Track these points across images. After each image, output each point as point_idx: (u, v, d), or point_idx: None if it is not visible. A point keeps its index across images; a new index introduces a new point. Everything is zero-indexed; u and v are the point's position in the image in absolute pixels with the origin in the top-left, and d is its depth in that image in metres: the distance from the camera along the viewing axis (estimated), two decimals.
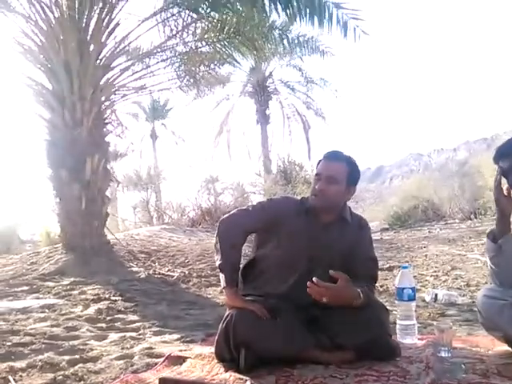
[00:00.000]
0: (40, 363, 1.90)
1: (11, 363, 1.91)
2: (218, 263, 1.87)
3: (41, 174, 5.49)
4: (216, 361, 1.79)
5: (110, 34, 5.55)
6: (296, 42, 7.27)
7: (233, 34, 6.12)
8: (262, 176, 15.01)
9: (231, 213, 2.00)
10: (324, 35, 7.13)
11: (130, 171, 14.10)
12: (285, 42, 7.04)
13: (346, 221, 1.99)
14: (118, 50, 5.73)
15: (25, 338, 2.27)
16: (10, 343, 2.17)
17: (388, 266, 4.49)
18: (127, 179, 13.66)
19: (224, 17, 6.02)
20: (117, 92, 6.05)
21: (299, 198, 2.09)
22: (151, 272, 4.66)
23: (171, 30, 5.97)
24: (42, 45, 5.27)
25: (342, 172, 1.92)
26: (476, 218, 10.26)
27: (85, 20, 5.34)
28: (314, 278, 1.73)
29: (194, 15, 5.97)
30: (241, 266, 1.97)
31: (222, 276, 1.86)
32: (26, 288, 3.80)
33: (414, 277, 3.58)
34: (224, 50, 6.46)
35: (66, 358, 2.00)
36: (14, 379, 1.73)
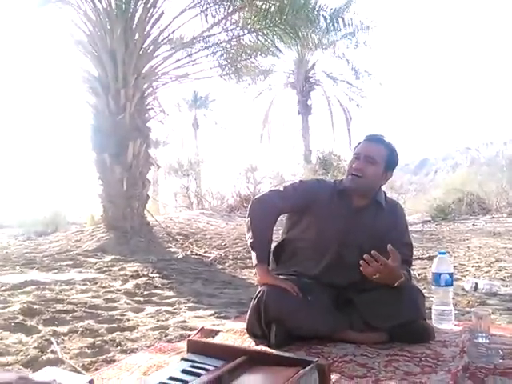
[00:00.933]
0: (80, 329, 2.01)
1: (54, 328, 2.03)
2: (249, 241, 1.86)
3: (87, 158, 5.73)
4: (247, 336, 1.82)
5: (155, 23, 5.66)
6: (344, 30, 7.13)
7: (276, 21, 6.07)
8: (302, 166, 14.88)
9: (264, 193, 2.00)
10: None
11: (173, 159, 14.37)
12: (332, 33, 6.91)
13: (380, 205, 1.94)
14: (161, 38, 5.84)
15: (67, 306, 2.40)
16: (54, 310, 2.30)
17: (428, 255, 4.35)
18: (169, 166, 13.92)
19: (267, 4, 5.98)
20: (159, 79, 6.17)
21: (332, 180, 2.06)
22: (188, 253, 4.77)
23: (213, 18, 6.00)
24: (91, 34, 5.46)
25: (381, 154, 1.87)
26: None
27: (131, 10, 5.48)
28: (372, 252, 1.66)
29: (237, 3, 5.96)
30: (272, 246, 1.96)
31: (253, 254, 1.85)
32: (70, 262, 4.00)
33: (455, 267, 3.47)
34: (266, 38, 6.42)
35: (105, 325, 2.10)
36: (57, 342, 1.83)
